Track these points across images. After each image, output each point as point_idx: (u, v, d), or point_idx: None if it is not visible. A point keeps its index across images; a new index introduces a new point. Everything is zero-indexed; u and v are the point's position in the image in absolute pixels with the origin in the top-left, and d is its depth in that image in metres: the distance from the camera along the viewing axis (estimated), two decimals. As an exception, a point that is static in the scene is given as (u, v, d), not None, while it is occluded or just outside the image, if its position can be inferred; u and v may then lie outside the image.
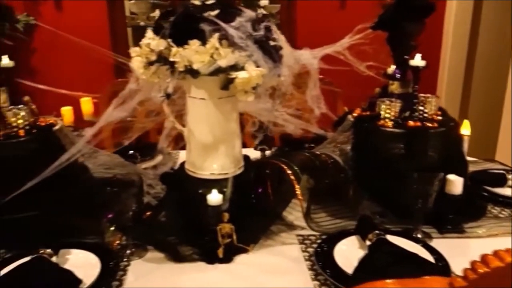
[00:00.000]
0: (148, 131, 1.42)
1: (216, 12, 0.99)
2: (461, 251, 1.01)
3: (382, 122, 1.15)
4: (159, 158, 1.45)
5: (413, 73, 1.19)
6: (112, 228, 0.99)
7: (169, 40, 0.98)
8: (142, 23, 2.59)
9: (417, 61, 1.17)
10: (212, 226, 0.98)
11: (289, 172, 1.07)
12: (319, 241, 1.05)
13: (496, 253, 0.50)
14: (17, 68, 1.36)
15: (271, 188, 1.14)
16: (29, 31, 2.55)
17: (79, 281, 0.87)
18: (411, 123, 1.13)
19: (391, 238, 0.98)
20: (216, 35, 0.95)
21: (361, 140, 1.19)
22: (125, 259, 0.99)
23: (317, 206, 1.16)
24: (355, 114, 1.25)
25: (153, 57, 1.01)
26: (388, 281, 0.58)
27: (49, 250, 0.92)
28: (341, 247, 1.00)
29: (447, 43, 2.79)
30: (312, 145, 1.43)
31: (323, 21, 2.65)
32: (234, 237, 1.00)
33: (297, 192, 1.05)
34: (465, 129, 1.23)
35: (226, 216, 0.99)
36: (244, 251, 1.02)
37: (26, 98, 1.20)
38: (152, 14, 2.57)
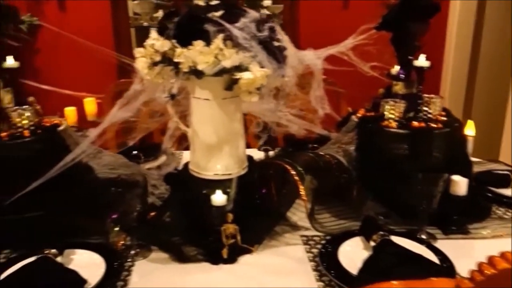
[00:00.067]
0: (152, 131, 1.43)
1: (220, 12, 0.99)
2: (466, 252, 1.01)
3: (386, 122, 1.15)
4: (162, 158, 1.45)
5: (417, 74, 1.19)
6: (117, 229, 0.99)
7: (174, 40, 0.99)
8: (145, 24, 2.60)
9: (422, 61, 1.17)
10: (216, 227, 0.98)
11: (293, 172, 1.07)
12: (323, 241, 1.05)
13: (502, 255, 0.50)
14: (21, 69, 1.37)
15: (275, 188, 1.14)
16: (33, 32, 2.55)
17: (84, 281, 0.87)
18: (415, 123, 1.13)
19: (395, 239, 0.98)
20: (221, 35, 0.95)
21: (365, 140, 1.18)
22: (129, 260, 0.99)
23: (321, 207, 1.16)
24: (359, 115, 1.25)
25: (158, 58, 1.01)
26: (394, 282, 0.58)
27: (54, 250, 0.92)
28: (345, 248, 1.00)
29: (450, 44, 2.78)
30: (315, 145, 1.43)
31: (326, 21, 2.65)
32: (238, 237, 1.00)
33: (301, 193, 1.04)
34: (470, 129, 1.23)
35: (230, 216, 0.99)
36: (248, 251, 1.02)
37: (31, 98, 1.20)
38: (155, 15, 2.58)
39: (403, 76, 1.19)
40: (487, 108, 2.82)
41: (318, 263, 0.97)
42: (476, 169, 1.35)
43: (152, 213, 1.03)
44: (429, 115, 1.17)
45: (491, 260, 0.49)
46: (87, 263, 0.94)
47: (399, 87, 1.22)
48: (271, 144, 1.42)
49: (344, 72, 1.20)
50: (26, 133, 1.08)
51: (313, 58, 1.16)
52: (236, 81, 0.97)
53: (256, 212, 1.08)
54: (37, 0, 2.54)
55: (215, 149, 1.07)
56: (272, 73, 0.98)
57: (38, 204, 1.01)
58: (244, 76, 0.96)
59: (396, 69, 1.25)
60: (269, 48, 0.99)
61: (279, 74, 1.01)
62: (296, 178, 1.06)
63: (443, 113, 1.20)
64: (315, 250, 1.02)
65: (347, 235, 1.05)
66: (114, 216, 0.98)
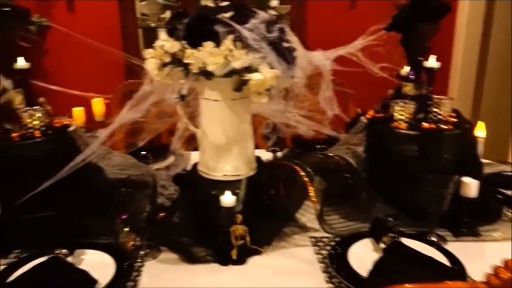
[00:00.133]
0: (160, 132, 1.43)
1: (230, 14, 0.99)
2: (477, 255, 1.01)
3: (396, 124, 1.15)
4: (171, 159, 1.45)
5: (427, 75, 1.18)
6: (126, 229, 0.99)
7: (183, 42, 0.99)
8: (153, 24, 2.61)
9: (432, 62, 1.16)
10: (225, 228, 0.98)
11: (302, 173, 1.06)
12: (332, 243, 1.05)
13: (518, 258, 0.50)
14: (31, 70, 1.37)
15: (283, 189, 1.14)
16: (42, 33, 2.57)
17: (94, 282, 0.87)
18: (425, 125, 1.12)
19: (405, 241, 0.97)
20: (230, 37, 0.95)
21: (374, 142, 1.18)
22: (139, 260, 0.99)
23: (329, 208, 1.16)
24: (368, 116, 1.25)
25: (167, 59, 1.02)
26: (407, 285, 0.57)
27: (64, 250, 0.93)
28: (355, 249, 0.99)
29: (459, 44, 2.76)
30: (323, 146, 1.43)
31: (333, 21, 2.64)
32: (248, 238, 1.00)
33: (310, 194, 1.04)
34: (480, 131, 1.22)
35: (239, 217, 0.99)
36: (258, 252, 1.02)
37: (42, 99, 1.21)
38: (162, 16, 2.59)
39: (413, 77, 1.19)
40: (495, 109, 2.79)
41: (327, 264, 0.96)
42: (485, 170, 1.33)
43: (162, 214, 1.04)
44: (439, 117, 1.16)
45: (507, 264, 0.49)
46: (97, 263, 0.95)
47: (409, 88, 1.21)
48: (280, 145, 1.42)
49: (352, 73, 1.19)
50: (37, 133, 1.09)
51: (322, 59, 1.16)
52: (245, 82, 0.97)
53: (265, 213, 1.08)
54: (45, 1, 2.56)
55: (224, 150, 1.07)
56: (281, 74, 0.98)
57: (49, 204, 1.02)
58: (254, 77, 0.96)
59: (405, 70, 1.24)
60: (278, 49, 0.99)
61: (288, 75, 1.01)
62: (306, 179, 1.06)
63: (453, 114, 1.19)
64: (324, 252, 1.02)
65: (357, 236, 1.04)
66: (124, 217, 0.98)
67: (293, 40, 1.06)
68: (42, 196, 1.00)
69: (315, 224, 1.11)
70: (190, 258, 1.00)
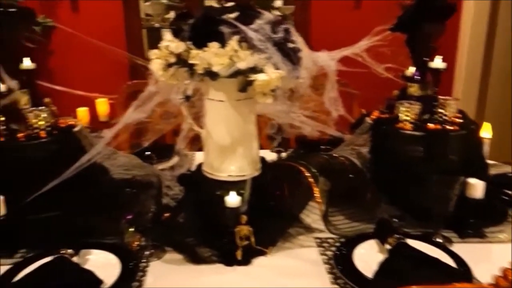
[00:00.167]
0: (165, 132, 1.43)
1: (235, 14, 0.99)
2: (483, 256, 1.00)
3: (401, 124, 1.14)
4: (175, 159, 1.45)
5: (432, 76, 1.18)
6: (131, 229, 0.99)
7: (189, 42, 0.99)
8: (157, 25, 2.61)
9: (437, 63, 1.16)
10: (230, 228, 0.98)
11: (307, 174, 1.06)
12: (337, 244, 1.04)
13: (527, 261, 0.49)
14: (36, 70, 1.38)
15: (288, 190, 1.14)
16: (46, 33, 2.58)
17: (100, 282, 0.88)
18: (431, 125, 1.12)
19: (411, 242, 0.97)
20: (236, 37, 0.95)
21: (379, 142, 1.18)
22: (144, 260, 0.99)
23: (334, 209, 1.15)
24: (373, 117, 1.24)
25: (172, 60, 1.02)
26: (414, 287, 0.57)
27: (70, 250, 0.93)
28: (360, 250, 0.99)
29: (464, 44, 2.75)
30: (328, 147, 1.43)
31: (338, 21, 2.63)
32: (252, 239, 1.00)
33: (316, 195, 1.04)
34: (486, 132, 1.21)
35: (244, 218, 0.99)
36: (262, 253, 1.02)
37: (47, 99, 1.22)
38: (166, 16, 2.59)
39: (419, 78, 1.18)
40: (500, 109, 2.78)
41: (332, 265, 0.96)
42: (491, 171, 1.33)
43: (167, 214, 1.04)
44: (445, 117, 1.15)
45: (515, 266, 0.48)
46: (102, 264, 0.95)
47: (414, 89, 1.21)
48: (284, 145, 1.42)
49: (356, 73, 1.19)
50: (43, 134, 1.10)
51: (327, 59, 1.16)
52: (250, 82, 0.97)
53: (270, 214, 1.08)
54: (50, 1, 2.57)
55: (229, 151, 1.07)
56: (286, 74, 0.98)
57: (55, 204, 1.03)
58: (259, 77, 0.96)
59: (410, 70, 1.24)
60: (284, 50, 0.99)
61: (293, 76, 1.01)
62: (311, 180, 1.05)
63: (459, 115, 1.18)
64: (329, 253, 1.02)
65: (362, 237, 1.04)
66: (129, 217, 0.98)
67: (298, 40, 1.06)
68: (47, 196, 1.01)
69: (320, 225, 1.11)
70: (195, 258, 1.00)
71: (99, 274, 0.89)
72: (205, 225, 1.03)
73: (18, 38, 1.17)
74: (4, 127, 1.10)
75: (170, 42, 1.02)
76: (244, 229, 0.99)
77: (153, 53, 1.04)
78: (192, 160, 1.50)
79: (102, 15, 2.60)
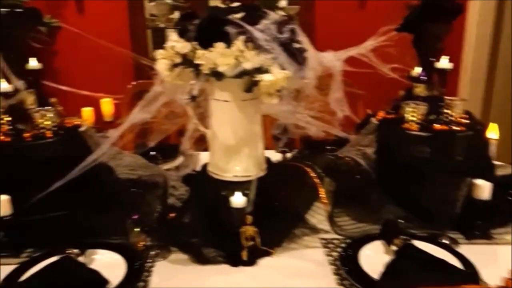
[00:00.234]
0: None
1: (241, 14, 0.99)
2: (490, 258, 1.00)
3: (407, 125, 1.14)
4: (180, 159, 1.45)
5: (439, 76, 1.17)
6: (137, 229, 0.99)
7: (194, 42, 0.99)
8: (161, 25, 2.61)
9: (444, 63, 1.15)
10: (235, 229, 0.98)
11: (313, 175, 1.06)
12: (342, 245, 1.04)
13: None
14: (42, 70, 1.38)
15: (293, 190, 1.14)
16: (51, 34, 2.59)
17: (106, 282, 0.88)
18: (437, 126, 1.11)
19: (417, 243, 0.96)
20: (242, 37, 0.95)
21: (385, 143, 1.17)
22: (149, 260, 0.99)
23: (340, 210, 1.15)
24: (378, 117, 1.24)
25: (178, 60, 1.02)
26: (422, 289, 0.57)
27: (76, 250, 0.93)
28: (366, 251, 0.99)
29: (469, 44, 2.73)
30: (333, 147, 1.42)
31: (342, 21, 2.62)
32: (258, 240, 1.00)
33: (321, 196, 1.04)
34: (493, 132, 1.20)
35: (250, 218, 0.99)
36: (268, 254, 1.02)
37: (53, 99, 1.22)
38: (171, 16, 2.59)
39: (425, 78, 1.18)
40: (506, 110, 2.76)
41: (338, 266, 0.96)
42: (498, 172, 1.32)
43: (172, 214, 1.04)
44: (451, 118, 1.15)
45: (525, 268, 0.48)
46: (108, 263, 0.95)
47: (420, 89, 1.20)
48: (289, 146, 1.41)
49: (361, 74, 1.19)
50: (49, 133, 1.10)
51: (333, 59, 1.16)
52: (256, 83, 0.97)
53: (275, 214, 1.08)
54: (55, 1, 2.58)
55: (234, 151, 1.07)
56: (292, 75, 0.98)
57: (60, 204, 1.03)
58: (265, 78, 0.96)
59: (416, 71, 1.23)
60: (290, 50, 0.99)
61: (299, 76, 1.01)
62: (316, 180, 1.05)
63: (465, 115, 1.17)
64: (334, 254, 1.02)
65: (367, 238, 1.04)
66: (135, 217, 0.99)
67: (304, 41, 1.06)
68: (53, 196, 1.01)
69: (325, 225, 1.10)
70: (200, 258, 1.00)
71: (105, 274, 0.89)
72: (211, 225, 1.03)
73: (25, 38, 1.17)
74: (11, 127, 1.11)
75: (176, 42, 1.02)
76: (249, 230, 0.99)
77: (159, 53, 1.04)
78: (197, 160, 1.50)
79: (107, 15, 2.60)
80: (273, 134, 1.32)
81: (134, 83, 2.02)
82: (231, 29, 0.96)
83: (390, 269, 0.88)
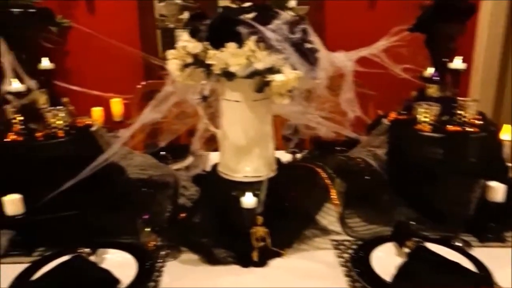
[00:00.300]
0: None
1: (253, 14, 0.99)
2: (503, 261, 0.98)
3: (419, 126, 1.13)
4: (190, 159, 1.45)
5: (452, 76, 1.16)
6: (148, 229, 0.99)
7: (206, 42, 0.99)
8: (171, 25, 2.62)
9: (457, 64, 1.14)
10: (246, 229, 0.98)
11: (324, 175, 1.05)
12: (354, 246, 1.03)
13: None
14: (54, 70, 1.39)
15: (304, 191, 1.13)
16: (63, 34, 2.61)
17: (117, 281, 0.88)
18: (450, 127, 1.10)
19: (429, 245, 0.95)
20: (253, 37, 0.95)
21: (397, 144, 1.16)
22: (160, 260, 0.99)
23: (351, 211, 1.14)
24: (390, 118, 1.23)
25: (189, 60, 1.02)
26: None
27: (87, 249, 0.94)
28: (378, 253, 0.98)
29: (481, 45, 2.70)
30: (343, 148, 1.41)
31: (352, 21, 2.61)
32: (268, 240, 0.99)
33: (333, 197, 1.03)
34: (506, 134, 1.19)
35: (260, 219, 0.99)
36: (278, 255, 1.01)
37: (65, 99, 1.23)
38: (180, 16, 2.60)
39: (438, 78, 1.16)
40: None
41: (349, 268, 0.95)
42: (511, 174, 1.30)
43: (183, 214, 1.04)
44: (464, 119, 1.13)
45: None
46: (119, 263, 0.95)
47: (433, 90, 1.19)
48: (299, 146, 1.41)
49: (373, 74, 1.18)
50: (61, 133, 1.11)
51: (344, 60, 1.15)
52: (267, 83, 0.97)
53: (286, 215, 1.07)
54: (66, 1, 2.60)
55: (245, 151, 1.07)
56: (304, 75, 0.98)
57: (72, 203, 1.03)
58: (276, 78, 0.95)
59: (428, 71, 1.22)
60: (301, 50, 0.98)
61: (311, 77, 1.00)
62: (328, 181, 1.04)
63: (479, 116, 1.16)
64: (346, 255, 1.01)
65: (379, 240, 1.03)
66: (146, 217, 0.99)
67: (315, 41, 1.05)
68: (65, 195, 1.01)
69: (336, 226, 1.10)
70: (211, 259, 1.00)
71: (116, 273, 0.89)
72: (221, 226, 1.03)
73: (37, 39, 1.18)
74: (23, 126, 1.11)
75: (187, 43, 1.02)
76: (260, 230, 0.98)
77: (170, 53, 1.04)
78: (207, 161, 1.50)
79: (117, 15, 2.62)
80: (284, 135, 1.32)
81: (144, 83, 2.03)
82: (242, 29, 0.96)
83: (402, 271, 0.87)
